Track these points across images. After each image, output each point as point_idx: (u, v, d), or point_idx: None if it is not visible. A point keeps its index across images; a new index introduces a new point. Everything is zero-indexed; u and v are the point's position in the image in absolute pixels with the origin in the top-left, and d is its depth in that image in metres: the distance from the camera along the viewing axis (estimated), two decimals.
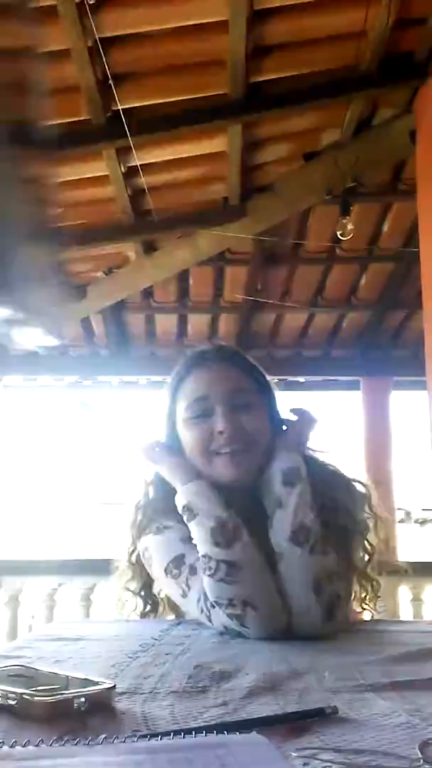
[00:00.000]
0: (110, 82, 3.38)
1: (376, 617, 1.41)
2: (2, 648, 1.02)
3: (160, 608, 1.39)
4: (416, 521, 16.07)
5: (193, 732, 0.56)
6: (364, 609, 1.36)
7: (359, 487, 1.34)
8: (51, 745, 0.53)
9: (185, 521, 1.22)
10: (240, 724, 0.60)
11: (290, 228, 5.30)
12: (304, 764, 0.51)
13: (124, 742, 0.54)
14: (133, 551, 1.34)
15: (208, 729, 0.57)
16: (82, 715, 0.63)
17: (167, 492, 1.29)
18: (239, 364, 1.38)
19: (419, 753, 0.53)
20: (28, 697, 0.63)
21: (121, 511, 1.37)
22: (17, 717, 0.63)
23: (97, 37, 3.17)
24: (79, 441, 14.01)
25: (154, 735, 0.57)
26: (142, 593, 1.38)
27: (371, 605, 1.35)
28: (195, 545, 1.19)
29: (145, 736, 0.57)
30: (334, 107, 4.20)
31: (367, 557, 1.31)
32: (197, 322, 6.40)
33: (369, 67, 3.76)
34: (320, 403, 7.11)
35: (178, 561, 1.22)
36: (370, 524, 1.32)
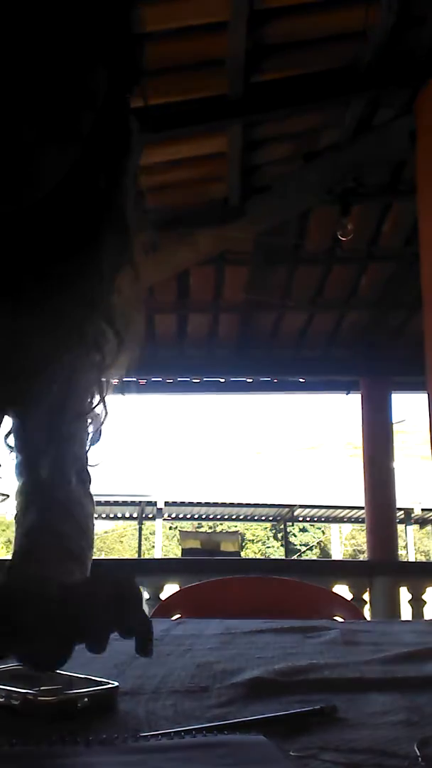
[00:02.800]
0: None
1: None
2: None
3: None
4: (416, 521, 16.07)
5: (193, 732, 0.56)
6: None
7: None
8: (51, 745, 0.53)
9: None
10: (240, 724, 0.60)
11: (290, 228, 5.30)
12: (304, 764, 0.52)
13: (124, 742, 0.54)
14: None
15: (208, 729, 0.57)
16: (85, 715, 0.63)
17: None
18: None
19: (417, 751, 0.53)
20: (31, 697, 0.64)
21: None
22: (20, 717, 0.63)
23: None
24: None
25: (153, 735, 0.57)
26: None
27: None
28: None
29: (145, 736, 0.57)
30: (334, 107, 4.21)
31: None
32: (197, 322, 6.40)
33: (369, 67, 3.76)
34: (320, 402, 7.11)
35: None
36: None
